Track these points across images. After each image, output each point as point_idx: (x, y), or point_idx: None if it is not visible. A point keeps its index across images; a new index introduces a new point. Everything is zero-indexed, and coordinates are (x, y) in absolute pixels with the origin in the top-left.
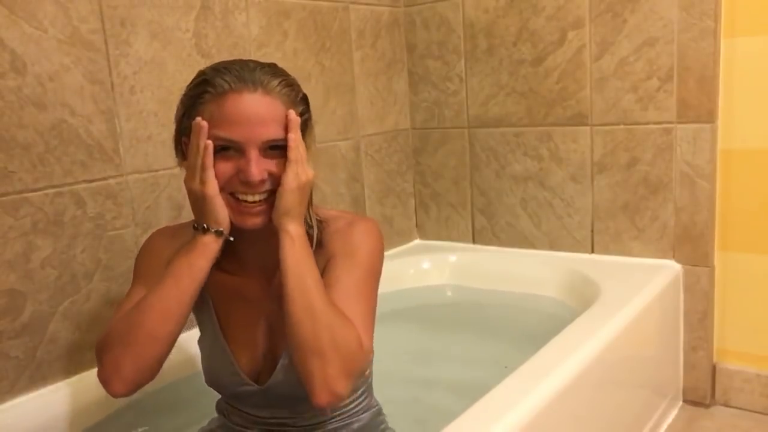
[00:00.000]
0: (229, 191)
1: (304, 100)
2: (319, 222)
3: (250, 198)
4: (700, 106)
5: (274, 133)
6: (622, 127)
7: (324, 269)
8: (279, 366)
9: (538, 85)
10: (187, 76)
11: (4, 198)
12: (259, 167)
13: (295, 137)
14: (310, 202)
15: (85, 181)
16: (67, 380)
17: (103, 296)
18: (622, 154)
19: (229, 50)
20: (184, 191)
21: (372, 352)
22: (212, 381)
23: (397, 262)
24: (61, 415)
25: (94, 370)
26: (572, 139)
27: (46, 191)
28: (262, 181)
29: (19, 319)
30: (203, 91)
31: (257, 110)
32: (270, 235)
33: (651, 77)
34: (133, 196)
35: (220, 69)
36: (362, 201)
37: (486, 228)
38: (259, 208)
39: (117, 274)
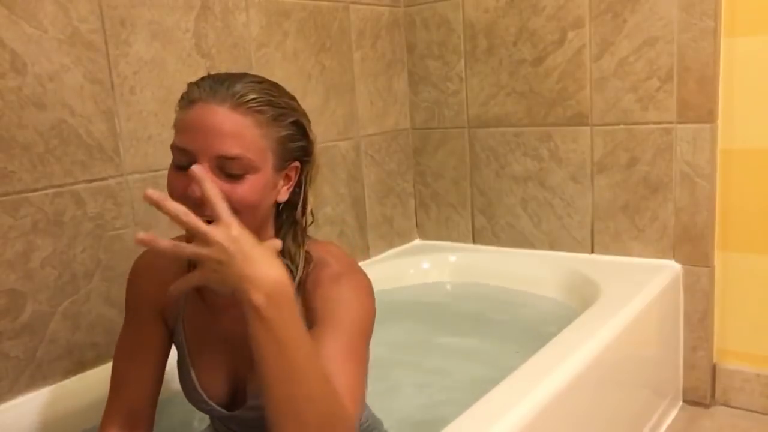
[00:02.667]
0: None
1: (296, 124)
2: (308, 257)
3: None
4: (700, 106)
5: (229, 148)
6: (622, 127)
7: (306, 320)
8: (248, 405)
9: (538, 85)
10: (187, 76)
11: (4, 198)
12: None
13: (208, 189)
14: (303, 233)
15: (85, 181)
16: (67, 380)
17: (103, 296)
18: (622, 154)
19: (229, 50)
20: None
21: (359, 417)
22: (187, 399)
23: (397, 262)
24: (61, 415)
25: (94, 370)
26: (572, 139)
27: (46, 191)
28: (204, 201)
29: (19, 319)
30: (181, 99)
31: (217, 122)
32: None
33: (651, 77)
34: (133, 196)
35: (205, 78)
36: (362, 201)
37: (486, 228)
38: None
39: (117, 274)
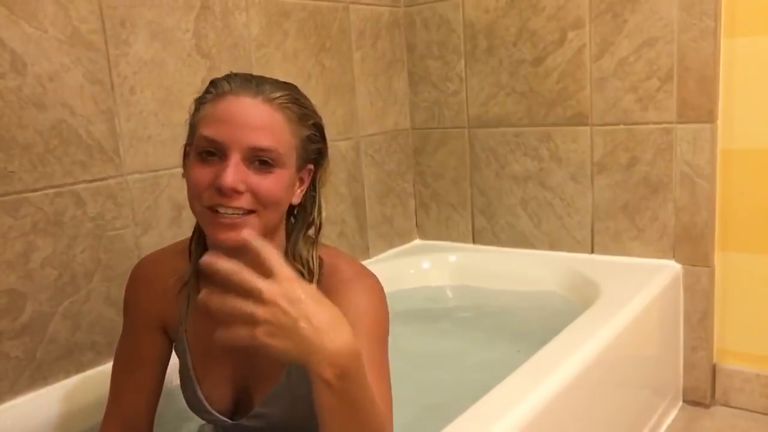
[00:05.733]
0: (205, 204)
1: (316, 126)
2: (319, 261)
3: (222, 210)
4: (700, 106)
5: (261, 140)
6: (622, 127)
7: None
8: (253, 412)
9: (538, 85)
10: (187, 76)
11: (4, 198)
12: (236, 174)
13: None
14: (315, 242)
15: (85, 181)
16: (67, 380)
17: (103, 296)
18: (622, 154)
19: (229, 50)
20: (184, 191)
21: (392, 427)
22: (189, 407)
23: (397, 263)
24: (61, 415)
25: (94, 370)
26: (572, 139)
27: (46, 191)
28: (236, 192)
29: (19, 319)
30: (207, 92)
31: (250, 113)
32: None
33: (651, 77)
34: (133, 196)
35: (230, 74)
36: (362, 201)
37: (486, 228)
38: (236, 221)
39: (117, 274)
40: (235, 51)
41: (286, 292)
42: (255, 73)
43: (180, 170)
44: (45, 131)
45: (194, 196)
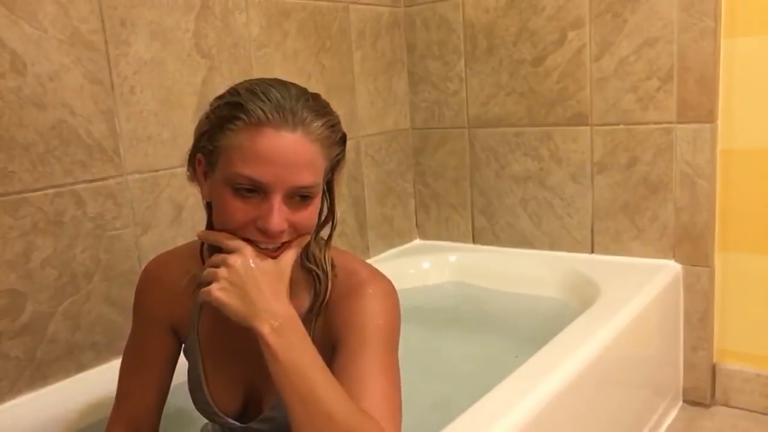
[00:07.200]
0: (243, 237)
1: (342, 139)
2: (333, 269)
3: (263, 245)
4: (700, 106)
5: (304, 179)
6: (622, 127)
7: (330, 337)
8: (263, 416)
9: (538, 85)
10: (187, 76)
11: (4, 198)
12: (280, 216)
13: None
14: (328, 243)
15: (85, 181)
16: (67, 380)
17: (103, 296)
18: (622, 154)
19: (229, 50)
20: (184, 191)
21: (398, 429)
22: (197, 410)
23: (397, 262)
24: (61, 415)
25: (94, 370)
26: (572, 139)
27: (46, 191)
28: (281, 232)
29: (19, 319)
30: (235, 117)
31: (293, 153)
32: None
33: (651, 77)
34: (133, 196)
35: (257, 93)
36: (362, 201)
37: (486, 228)
38: (278, 253)
39: (117, 274)
40: (235, 51)
41: (244, 262)
42: (255, 73)
43: (181, 170)
44: (45, 131)
45: (231, 228)
